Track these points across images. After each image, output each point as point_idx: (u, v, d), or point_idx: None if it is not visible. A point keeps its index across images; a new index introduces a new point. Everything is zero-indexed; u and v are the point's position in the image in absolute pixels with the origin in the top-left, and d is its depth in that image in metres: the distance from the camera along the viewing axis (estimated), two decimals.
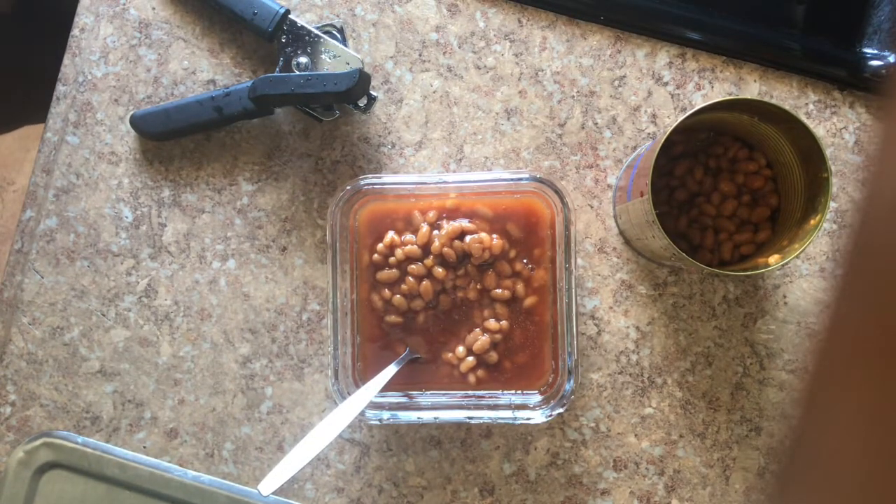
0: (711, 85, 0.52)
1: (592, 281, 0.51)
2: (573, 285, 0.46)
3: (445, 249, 0.48)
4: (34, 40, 0.62)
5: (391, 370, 0.47)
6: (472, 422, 0.48)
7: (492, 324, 0.48)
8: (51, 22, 0.59)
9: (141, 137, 0.52)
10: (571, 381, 0.46)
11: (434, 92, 0.52)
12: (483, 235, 0.48)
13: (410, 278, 0.48)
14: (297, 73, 0.49)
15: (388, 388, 0.47)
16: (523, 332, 0.48)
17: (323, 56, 0.50)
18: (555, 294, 0.48)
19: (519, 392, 0.48)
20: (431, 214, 0.48)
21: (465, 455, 0.51)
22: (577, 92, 0.52)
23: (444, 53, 0.52)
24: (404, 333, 0.49)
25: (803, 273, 0.51)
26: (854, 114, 0.51)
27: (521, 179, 0.47)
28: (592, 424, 0.51)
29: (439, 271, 0.48)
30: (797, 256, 0.43)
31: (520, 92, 0.52)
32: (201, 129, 0.52)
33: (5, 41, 0.61)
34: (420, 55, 0.52)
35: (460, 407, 0.48)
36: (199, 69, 0.53)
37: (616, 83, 0.52)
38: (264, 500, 0.49)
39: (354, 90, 0.47)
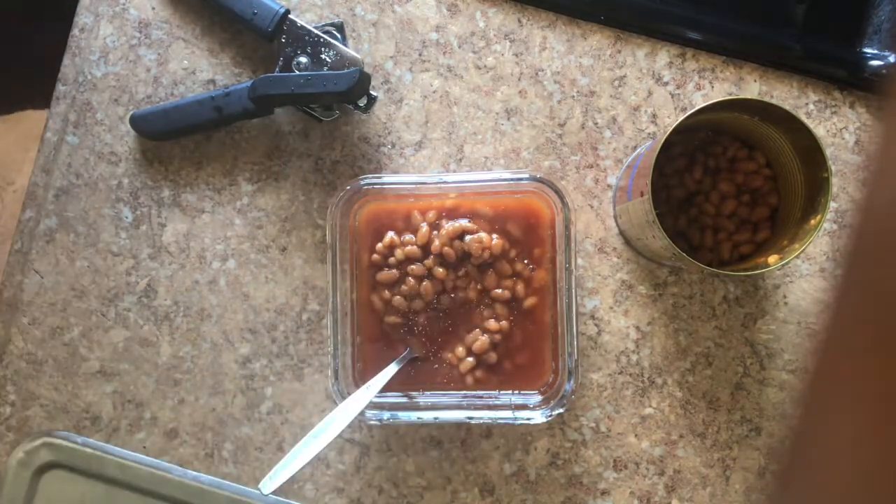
0: (711, 85, 0.52)
1: (592, 281, 0.51)
2: (573, 285, 0.46)
3: (445, 249, 0.48)
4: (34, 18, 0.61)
5: (391, 370, 0.47)
6: (472, 422, 0.48)
7: (492, 324, 0.48)
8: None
9: (141, 137, 0.52)
10: (571, 382, 0.46)
11: (434, 92, 0.52)
12: (483, 235, 0.48)
13: (410, 279, 0.48)
14: (297, 73, 0.49)
15: (388, 388, 0.47)
16: (523, 332, 0.48)
17: (323, 56, 0.50)
18: (555, 294, 0.48)
19: (519, 392, 0.48)
20: (431, 214, 0.48)
21: (465, 455, 0.51)
22: (577, 92, 0.52)
23: (444, 53, 0.52)
24: (404, 334, 0.48)
25: (803, 273, 0.51)
26: (854, 114, 0.51)
27: (521, 179, 0.47)
28: (592, 424, 0.51)
29: (439, 271, 0.48)
30: (797, 256, 0.43)
31: (520, 92, 0.52)
32: (201, 129, 0.52)
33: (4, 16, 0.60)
34: (420, 55, 0.52)
35: (460, 407, 0.48)
36: (199, 69, 0.53)
37: (616, 83, 0.52)
38: (264, 500, 0.49)
39: (354, 90, 0.47)
